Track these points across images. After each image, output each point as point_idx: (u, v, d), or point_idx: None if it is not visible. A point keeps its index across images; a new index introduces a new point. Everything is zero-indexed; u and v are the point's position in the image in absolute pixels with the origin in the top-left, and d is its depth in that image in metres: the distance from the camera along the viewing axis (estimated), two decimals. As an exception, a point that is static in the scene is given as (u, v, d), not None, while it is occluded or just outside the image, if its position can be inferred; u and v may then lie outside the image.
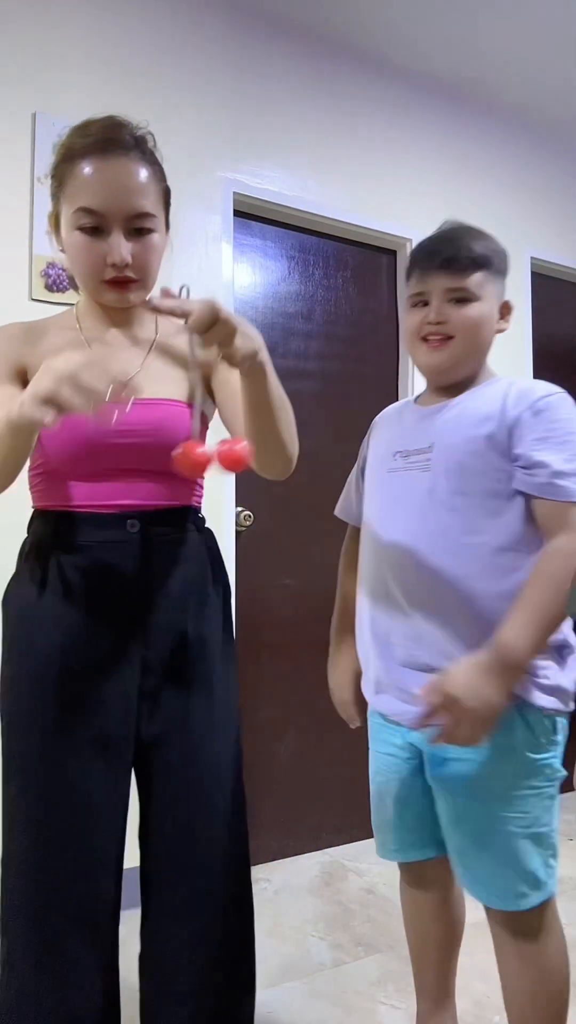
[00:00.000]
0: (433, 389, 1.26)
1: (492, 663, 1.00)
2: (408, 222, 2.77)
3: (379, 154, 2.73)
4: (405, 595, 1.16)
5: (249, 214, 2.49)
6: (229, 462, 0.83)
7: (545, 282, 3.18)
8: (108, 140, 0.99)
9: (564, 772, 1.16)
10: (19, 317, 1.99)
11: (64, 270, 2.08)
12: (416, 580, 1.14)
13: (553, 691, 1.10)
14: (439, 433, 1.16)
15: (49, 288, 2.06)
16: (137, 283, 1.03)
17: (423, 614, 1.13)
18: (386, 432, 1.31)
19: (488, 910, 1.17)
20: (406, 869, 1.35)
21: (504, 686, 1.00)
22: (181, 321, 0.81)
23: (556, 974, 1.15)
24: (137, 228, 1.00)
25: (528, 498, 1.08)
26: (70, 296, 2.09)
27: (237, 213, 2.43)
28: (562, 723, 1.14)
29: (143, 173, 1.01)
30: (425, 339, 1.18)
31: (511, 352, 2.99)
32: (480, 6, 2.44)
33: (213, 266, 2.34)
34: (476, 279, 1.15)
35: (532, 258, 3.09)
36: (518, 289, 3.04)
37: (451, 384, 1.21)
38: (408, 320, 1.21)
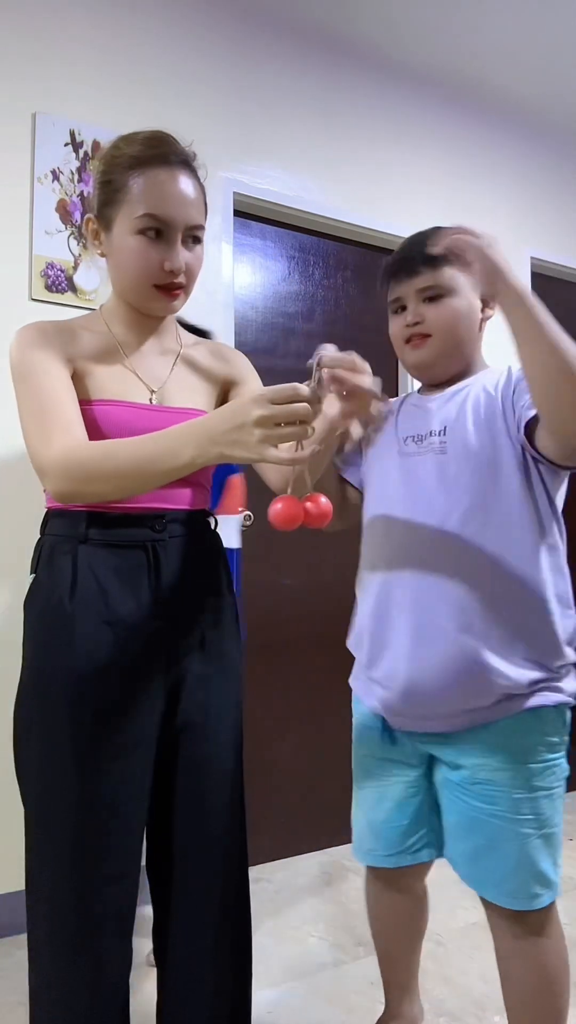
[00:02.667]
0: (428, 387, 1.28)
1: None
2: (408, 222, 2.77)
3: (379, 154, 2.73)
4: (444, 575, 1.14)
5: (249, 214, 2.50)
6: (317, 517, 0.87)
7: (545, 282, 3.18)
8: (169, 152, 1.05)
9: (568, 770, 1.17)
10: (19, 317, 2.00)
11: (63, 270, 2.08)
12: (455, 562, 1.13)
13: (561, 690, 1.13)
14: (449, 417, 1.18)
15: (49, 288, 2.07)
16: (183, 290, 1.08)
17: (467, 588, 1.12)
18: (389, 420, 1.32)
19: (492, 910, 1.17)
20: (387, 875, 1.34)
21: (517, 285, 1.00)
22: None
23: (558, 973, 1.16)
24: (193, 237, 1.06)
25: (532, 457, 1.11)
26: (69, 296, 2.09)
27: (237, 213, 2.43)
28: (568, 720, 1.15)
29: (197, 186, 1.07)
30: (408, 341, 1.21)
31: (511, 352, 2.99)
32: (481, 6, 2.44)
33: (213, 266, 2.34)
34: (445, 274, 1.18)
35: (532, 258, 3.09)
36: (518, 289, 3.04)
37: (443, 381, 1.23)
38: (392, 328, 1.25)
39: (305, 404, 0.81)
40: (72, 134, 2.11)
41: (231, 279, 2.39)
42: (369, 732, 1.29)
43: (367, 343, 1.19)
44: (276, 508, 0.84)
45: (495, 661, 1.09)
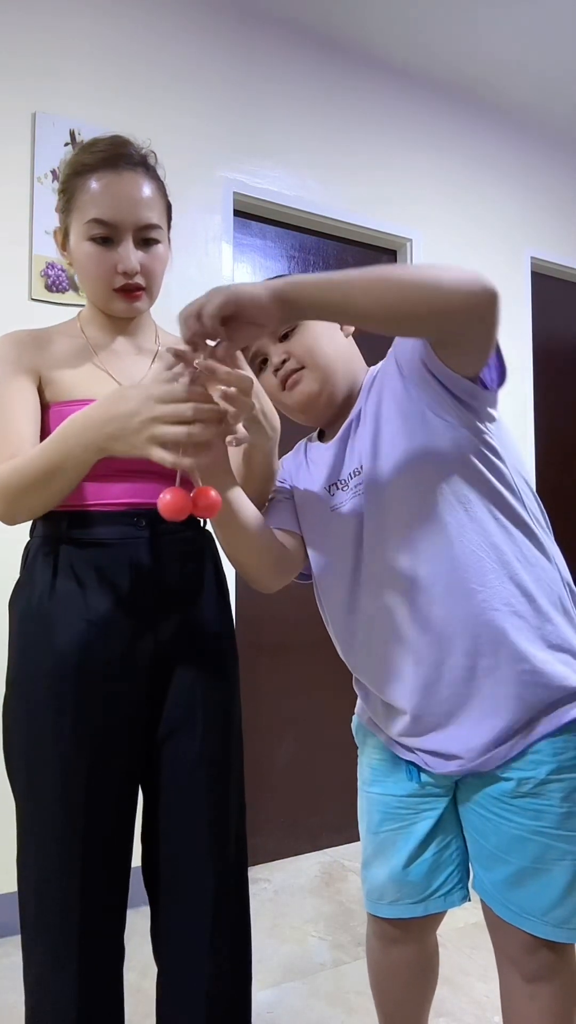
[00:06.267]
0: (325, 428, 1.18)
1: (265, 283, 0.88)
2: (408, 222, 2.77)
3: (379, 154, 2.73)
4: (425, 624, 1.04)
5: (249, 214, 2.50)
6: (204, 508, 0.90)
7: (545, 282, 3.18)
8: (117, 155, 1.04)
9: None
10: (19, 317, 2.01)
11: (64, 269, 2.08)
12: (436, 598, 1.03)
13: None
14: (363, 449, 1.08)
15: (49, 288, 2.07)
16: (144, 292, 1.09)
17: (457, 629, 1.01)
18: (302, 476, 1.19)
19: (507, 949, 1.07)
20: (402, 926, 1.18)
21: (268, 294, 0.85)
22: (177, 333, 0.87)
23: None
24: (145, 239, 1.06)
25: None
26: (70, 296, 2.09)
27: (237, 213, 2.44)
28: None
29: (150, 187, 1.06)
30: (284, 385, 1.10)
31: (511, 353, 2.99)
32: (481, 6, 2.44)
33: (213, 266, 2.34)
34: None
35: (532, 258, 3.09)
36: (518, 289, 3.04)
37: (337, 412, 1.13)
38: (265, 386, 1.12)
39: (191, 405, 0.83)
40: (72, 134, 2.11)
41: (231, 279, 2.39)
42: (387, 767, 1.16)
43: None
44: (165, 499, 0.87)
45: (535, 677, 1.01)
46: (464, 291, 0.86)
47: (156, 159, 1.10)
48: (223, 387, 0.87)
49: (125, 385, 0.90)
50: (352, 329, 1.17)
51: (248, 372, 0.91)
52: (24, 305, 2.04)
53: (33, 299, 2.05)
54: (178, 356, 0.86)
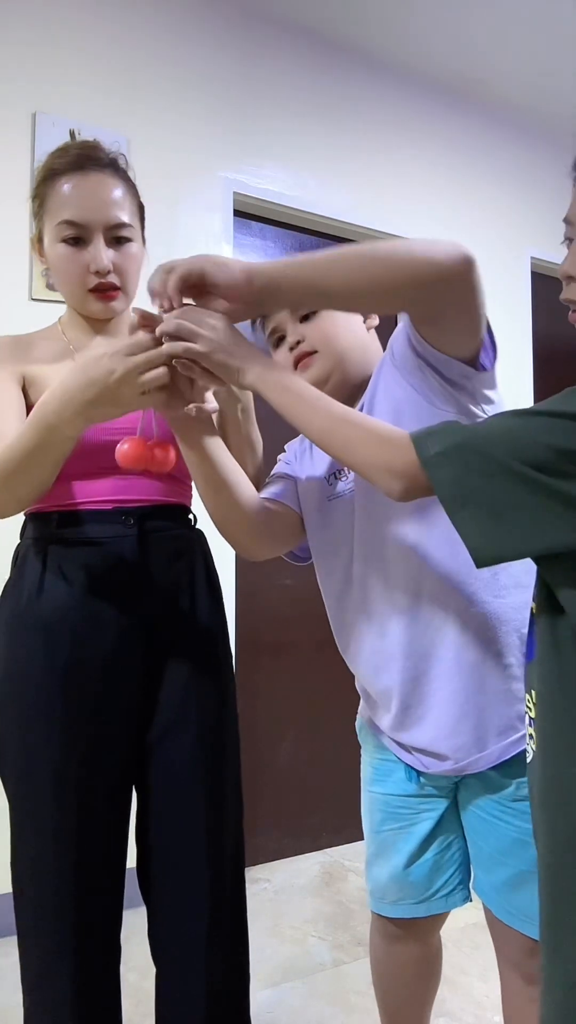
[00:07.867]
0: None
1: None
2: (408, 222, 2.77)
3: (379, 154, 2.73)
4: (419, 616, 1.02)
5: (249, 214, 2.50)
6: (161, 461, 0.94)
7: (545, 282, 3.18)
8: (85, 158, 1.07)
9: None
10: (19, 317, 2.01)
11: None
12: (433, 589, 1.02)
13: None
14: None
15: (49, 288, 2.06)
16: (119, 291, 1.09)
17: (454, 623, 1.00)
18: (305, 463, 1.19)
19: (507, 951, 1.07)
20: (406, 925, 1.18)
21: (239, 266, 0.88)
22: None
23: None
24: (116, 237, 1.07)
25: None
26: (70, 296, 2.09)
27: (237, 213, 2.43)
28: None
29: (119, 187, 1.08)
30: (296, 366, 1.11)
31: (511, 352, 2.99)
32: (480, 6, 2.44)
33: (213, 266, 2.34)
34: None
35: (532, 258, 3.09)
36: (518, 289, 3.04)
37: (346, 399, 1.10)
38: (279, 359, 1.13)
39: (162, 349, 0.85)
40: (72, 134, 2.09)
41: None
42: (388, 767, 1.15)
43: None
44: (123, 449, 0.90)
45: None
46: (436, 260, 0.84)
47: (127, 162, 1.12)
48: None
49: (86, 353, 0.89)
50: (375, 322, 1.16)
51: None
52: (24, 305, 2.04)
53: (33, 299, 2.05)
54: (143, 318, 0.88)
